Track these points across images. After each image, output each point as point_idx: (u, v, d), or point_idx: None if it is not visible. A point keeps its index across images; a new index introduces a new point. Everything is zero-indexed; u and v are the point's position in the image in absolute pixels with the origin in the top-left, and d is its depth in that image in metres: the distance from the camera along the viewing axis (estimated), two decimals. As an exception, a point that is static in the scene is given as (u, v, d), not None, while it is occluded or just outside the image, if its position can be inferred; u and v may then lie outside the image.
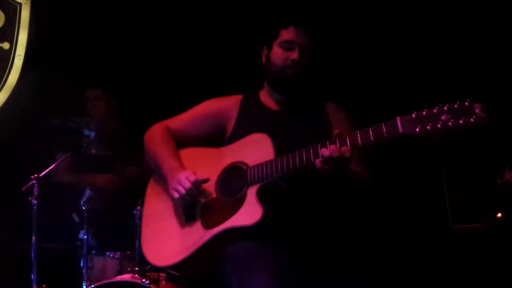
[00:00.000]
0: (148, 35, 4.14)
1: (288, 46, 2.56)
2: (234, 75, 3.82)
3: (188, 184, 2.44)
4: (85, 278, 3.08)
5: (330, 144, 2.14)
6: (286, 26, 2.59)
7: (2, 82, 3.17)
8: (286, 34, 2.58)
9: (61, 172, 3.69)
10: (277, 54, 2.58)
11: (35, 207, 3.04)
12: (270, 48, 2.64)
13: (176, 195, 2.48)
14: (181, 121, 2.76)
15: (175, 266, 2.46)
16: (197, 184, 2.46)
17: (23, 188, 3.10)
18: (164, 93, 4.14)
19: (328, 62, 2.81)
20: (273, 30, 2.63)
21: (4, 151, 3.44)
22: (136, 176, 3.64)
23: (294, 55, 2.54)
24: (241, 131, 2.57)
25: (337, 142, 2.14)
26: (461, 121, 1.86)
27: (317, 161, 2.16)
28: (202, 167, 2.54)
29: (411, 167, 3.63)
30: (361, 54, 3.76)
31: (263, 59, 2.69)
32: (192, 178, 2.45)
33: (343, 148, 2.11)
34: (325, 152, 2.13)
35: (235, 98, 2.74)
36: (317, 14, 3.56)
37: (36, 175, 3.09)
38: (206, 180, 2.48)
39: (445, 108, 1.91)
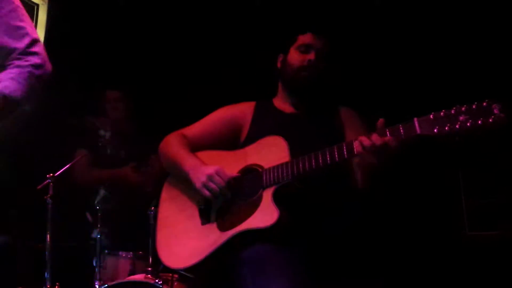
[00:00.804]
0: (161, 40, 4.16)
1: (305, 49, 2.61)
2: (248, 79, 3.82)
3: (222, 183, 2.41)
4: (98, 278, 3.07)
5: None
6: (304, 32, 2.65)
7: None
8: (304, 39, 2.64)
9: (84, 171, 3.69)
10: (294, 56, 2.63)
11: (50, 206, 3.04)
12: (286, 53, 2.68)
13: (206, 193, 2.43)
14: (196, 128, 2.76)
15: (190, 269, 2.44)
16: (230, 182, 2.43)
17: (39, 187, 3.11)
18: (179, 96, 4.14)
19: (341, 65, 2.81)
20: (290, 36, 2.68)
21: (19, 150, 3.46)
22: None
23: (311, 56, 2.58)
24: (256, 134, 2.57)
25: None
26: (479, 122, 1.85)
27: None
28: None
29: (429, 173, 3.60)
30: (369, 56, 3.74)
31: (279, 65, 2.73)
32: (225, 176, 2.42)
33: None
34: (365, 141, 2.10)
35: (249, 104, 2.76)
36: (332, 19, 3.55)
37: (51, 174, 3.10)
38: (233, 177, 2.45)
39: (463, 108, 1.90)
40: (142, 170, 3.64)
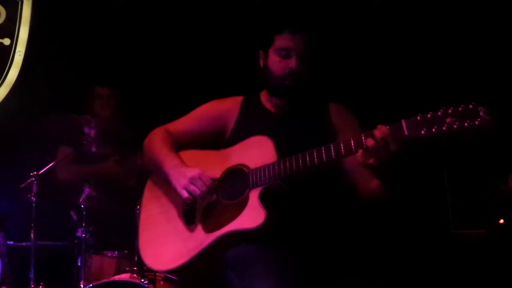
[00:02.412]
0: (150, 37, 4.12)
1: (285, 53, 2.46)
2: (236, 76, 3.79)
3: (204, 187, 2.36)
4: (82, 277, 3.05)
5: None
6: (281, 31, 2.49)
7: (2, 78, 3.16)
8: (282, 41, 2.48)
9: (65, 167, 3.66)
10: (274, 62, 2.49)
11: (33, 205, 3.01)
12: (266, 54, 2.54)
13: (185, 195, 2.39)
14: (181, 123, 2.70)
15: (175, 271, 2.40)
16: (212, 187, 2.39)
17: (22, 185, 3.08)
18: (165, 95, 4.12)
19: (329, 63, 2.77)
20: (267, 34, 2.53)
21: (3, 147, 3.43)
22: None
23: (292, 63, 2.44)
24: (241, 133, 2.52)
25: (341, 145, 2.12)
26: (466, 124, 1.86)
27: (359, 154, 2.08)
28: (202, 169, 2.49)
29: (414, 172, 3.60)
30: (361, 55, 3.74)
31: (261, 64, 2.60)
32: (208, 180, 2.38)
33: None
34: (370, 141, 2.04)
35: (236, 100, 2.69)
36: (315, 16, 3.52)
37: (35, 172, 3.06)
38: (216, 180, 2.43)
39: (449, 111, 1.90)
40: (124, 163, 3.61)
